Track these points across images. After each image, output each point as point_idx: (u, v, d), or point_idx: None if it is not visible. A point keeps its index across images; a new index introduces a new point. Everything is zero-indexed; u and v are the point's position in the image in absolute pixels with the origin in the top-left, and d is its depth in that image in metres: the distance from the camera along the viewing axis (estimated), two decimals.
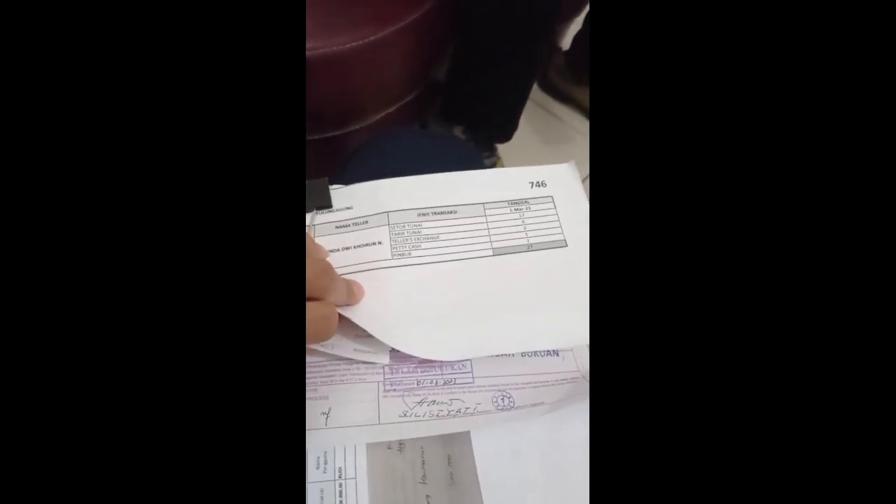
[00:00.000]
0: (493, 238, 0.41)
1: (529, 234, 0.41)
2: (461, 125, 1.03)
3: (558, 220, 0.42)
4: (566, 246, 0.41)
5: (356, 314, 0.37)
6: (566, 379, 0.39)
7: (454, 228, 0.41)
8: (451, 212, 0.42)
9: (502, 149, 1.08)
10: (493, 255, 0.40)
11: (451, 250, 0.40)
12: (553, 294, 0.40)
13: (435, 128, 1.08)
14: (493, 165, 1.04)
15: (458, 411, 0.38)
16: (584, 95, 1.22)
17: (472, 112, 1.00)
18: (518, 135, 1.18)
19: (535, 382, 0.39)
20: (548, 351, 0.40)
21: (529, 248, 0.41)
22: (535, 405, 0.38)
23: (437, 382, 0.38)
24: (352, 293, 0.37)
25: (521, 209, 0.42)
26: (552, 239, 0.41)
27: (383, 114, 0.90)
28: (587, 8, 1.14)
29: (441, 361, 0.38)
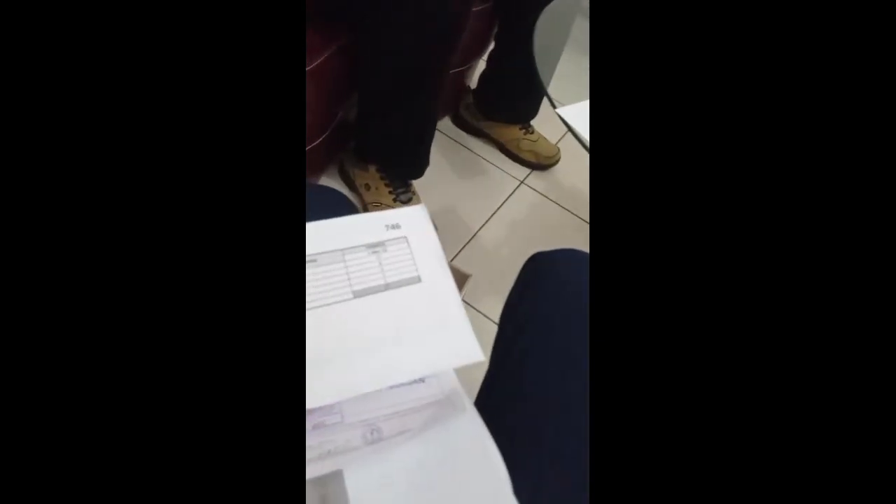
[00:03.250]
0: (353, 282, 0.43)
1: (387, 274, 0.43)
2: (374, 164, 1.07)
3: (412, 258, 0.45)
4: (420, 281, 0.44)
5: None
6: (430, 403, 0.41)
7: (314, 277, 0.43)
8: (311, 261, 0.44)
9: (420, 184, 1.11)
10: (354, 299, 0.42)
11: (312, 298, 0.42)
12: (414, 326, 0.42)
13: (350, 168, 1.11)
14: (408, 202, 1.08)
15: (329, 452, 0.39)
16: (493, 129, 1.28)
17: (382, 152, 1.04)
18: (435, 169, 1.23)
19: (402, 411, 0.41)
20: (413, 379, 0.42)
21: (387, 287, 0.43)
22: (402, 433, 0.40)
23: (306, 429, 0.39)
24: None
25: (378, 251, 0.44)
26: (408, 276, 0.44)
27: None
28: (491, 47, 1.20)
29: (309, 409, 0.40)
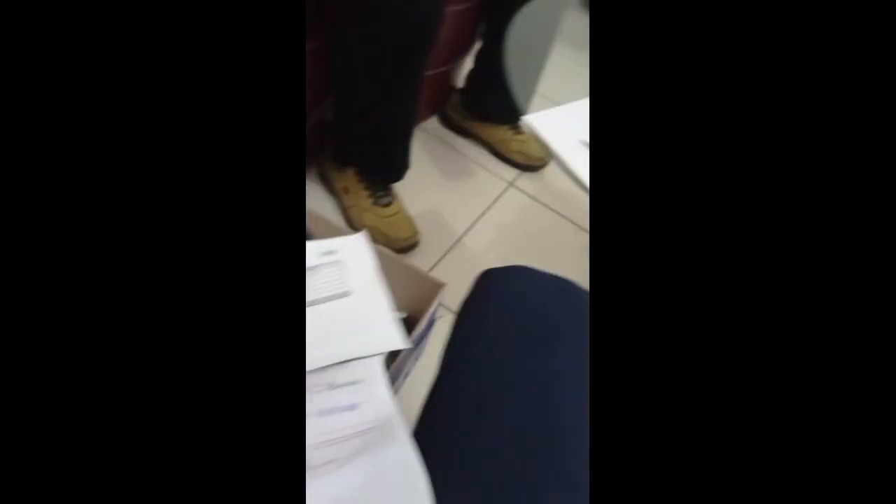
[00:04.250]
0: None
1: (316, 293, 0.46)
2: (352, 167, 1.04)
3: (342, 278, 0.47)
4: (350, 294, 0.46)
5: None
6: (362, 431, 0.40)
7: None
8: None
9: (404, 186, 1.09)
10: None
11: None
12: (337, 329, 0.45)
13: (328, 171, 1.09)
14: (388, 205, 1.05)
15: None
16: (481, 129, 1.25)
17: (360, 155, 1.01)
18: (420, 170, 1.20)
19: (332, 440, 0.40)
20: (346, 406, 0.41)
21: (313, 303, 0.46)
22: (329, 462, 0.39)
23: None
24: None
25: (312, 274, 0.49)
26: (336, 293, 0.47)
27: None
28: (477, 45, 1.17)
29: None
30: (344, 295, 0.47)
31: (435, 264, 1.10)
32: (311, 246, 0.50)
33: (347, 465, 0.39)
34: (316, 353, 0.42)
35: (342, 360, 0.43)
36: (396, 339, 0.45)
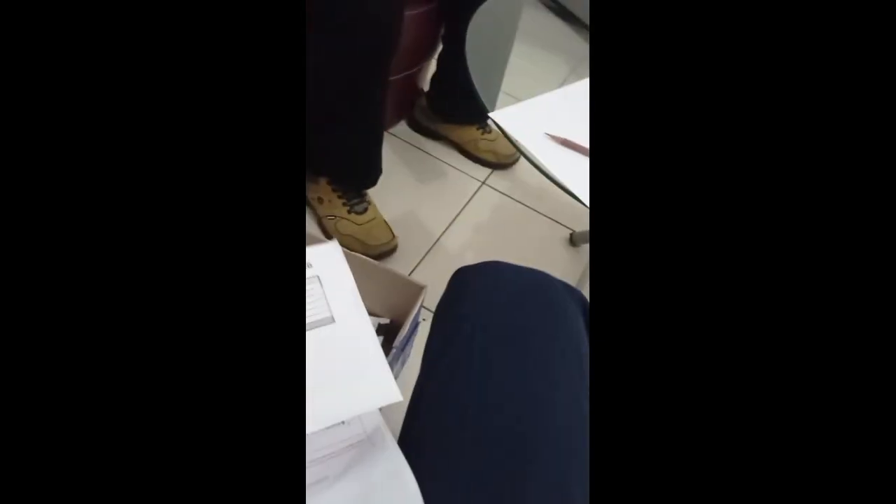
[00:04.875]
0: None
1: None
2: (324, 177, 1.04)
3: (325, 299, 0.44)
4: (334, 322, 0.43)
5: None
6: (351, 445, 0.40)
7: None
8: None
9: (377, 191, 1.09)
10: None
11: None
12: (328, 369, 0.41)
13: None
14: (364, 212, 1.05)
15: None
16: (449, 131, 1.26)
17: (331, 164, 1.01)
18: (393, 175, 1.20)
19: (323, 457, 0.39)
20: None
21: None
22: (321, 481, 0.38)
23: None
24: None
25: None
26: (321, 318, 0.43)
27: None
28: (440, 48, 1.18)
29: None
30: (328, 322, 0.44)
31: (414, 268, 1.10)
32: None
33: (340, 480, 0.39)
34: (312, 407, 0.39)
35: (337, 419, 0.40)
36: (391, 391, 0.41)
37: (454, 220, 1.19)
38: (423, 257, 1.12)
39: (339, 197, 1.04)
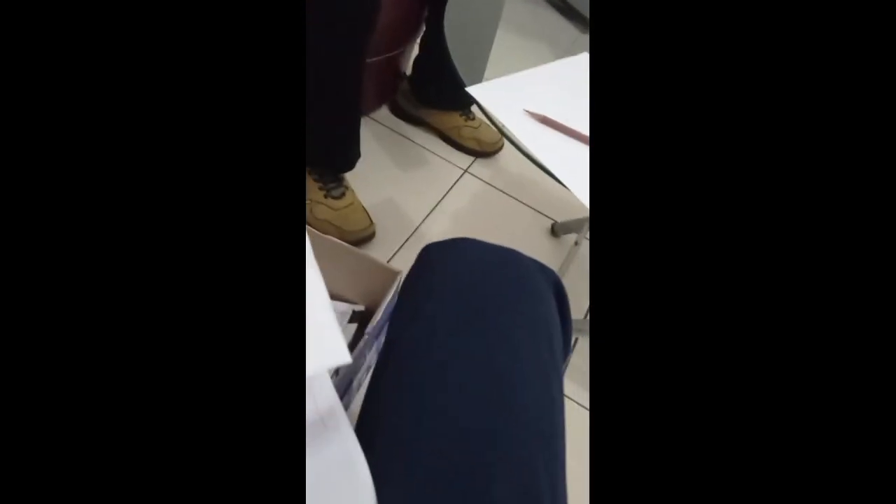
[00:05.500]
0: None
1: None
2: None
3: None
4: None
5: None
6: (308, 423, 0.37)
7: None
8: None
9: (356, 177, 1.06)
10: None
11: None
12: None
13: None
14: (341, 196, 1.02)
15: None
16: (432, 117, 1.23)
17: (309, 146, 0.98)
18: (371, 160, 1.17)
19: None
20: None
21: None
22: None
23: None
24: None
25: None
26: None
27: None
28: (423, 30, 1.15)
29: None
30: None
31: (393, 255, 1.08)
32: None
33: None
34: None
35: None
36: (340, 351, 0.38)
37: (435, 207, 1.16)
38: (402, 245, 1.10)
39: (316, 181, 1.01)
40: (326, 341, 0.37)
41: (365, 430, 0.37)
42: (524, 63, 1.01)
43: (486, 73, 1.14)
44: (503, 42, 1.17)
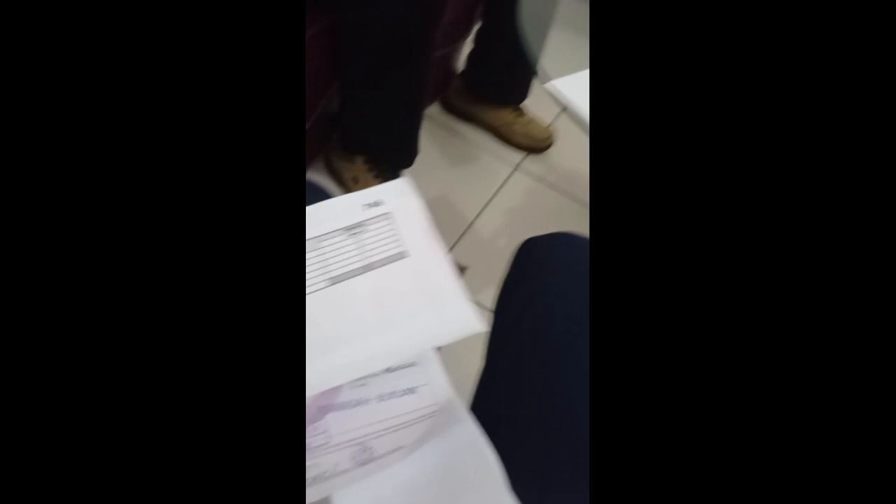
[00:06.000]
0: (328, 269, 0.40)
1: (367, 254, 0.41)
2: (361, 155, 1.02)
3: (396, 235, 0.41)
4: (406, 256, 0.40)
5: None
6: (424, 415, 0.38)
7: None
8: None
9: (410, 174, 1.07)
10: (330, 286, 0.39)
11: None
12: (401, 304, 0.39)
13: (336, 161, 1.06)
14: None
15: (315, 477, 0.35)
16: (484, 113, 1.23)
17: (368, 141, 0.99)
18: (425, 158, 1.17)
19: (395, 426, 0.38)
20: (404, 390, 0.38)
21: (368, 268, 0.40)
22: (396, 450, 0.37)
23: None
24: None
25: (357, 233, 0.42)
26: (392, 253, 0.41)
27: None
28: (477, 26, 1.15)
29: None
30: (400, 257, 0.41)
31: (448, 251, 1.08)
32: (349, 198, 0.43)
33: (416, 451, 0.37)
34: (386, 341, 0.37)
35: (417, 351, 0.37)
36: (473, 320, 0.37)
37: (487, 204, 1.16)
38: (457, 242, 1.10)
39: (375, 177, 1.02)
40: (458, 312, 0.37)
41: (484, 419, 0.38)
42: (574, 60, 1.00)
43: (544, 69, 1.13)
44: (552, 38, 1.16)
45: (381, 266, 0.40)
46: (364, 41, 0.83)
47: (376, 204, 0.43)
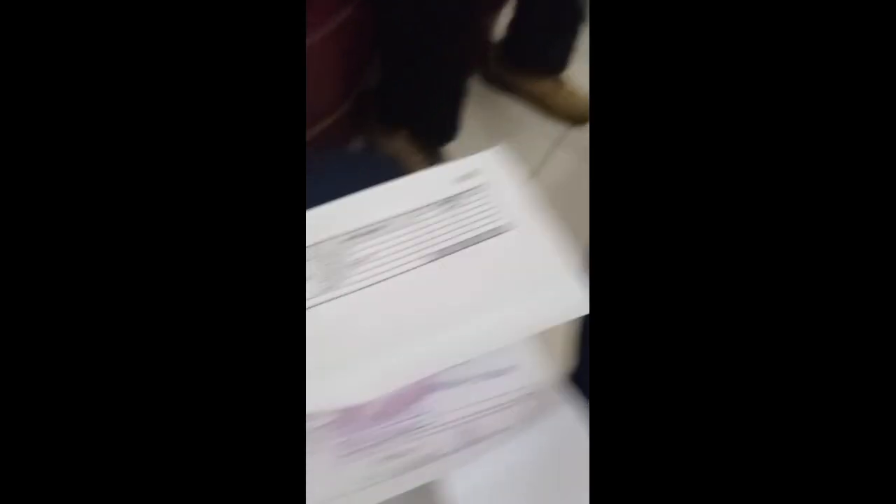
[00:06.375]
0: (429, 244, 0.37)
1: (468, 228, 0.38)
2: (404, 130, 0.99)
3: (496, 207, 0.38)
4: (511, 230, 0.37)
5: None
6: (529, 394, 0.36)
7: (384, 245, 0.37)
8: (377, 229, 0.37)
9: (450, 150, 1.04)
10: (432, 261, 0.36)
11: (383, 269, 0.36)
12: (504, 283, 0.36)
13: (377, 138, 1.03)
14: None
15: (422, 459, 0.34)
16: (527, 83, 1.19)
17: (411, 116, 0.96)
18: (466, 134, 1.14)
19: (500, 405, 0.35)
20: (502, 369, 0.36)
21: (471, 242, 0.37)
22: (496, 433, 0.35)
23: (393, 433, 0.34)
24: None
25: (453, 206, 0.38)
26: (493, 227, 0.38)
27: (316, 130, 0.85)
28: None
29: (397, 409, 0.34)
30: (503, 230, 0.38)
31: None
32: (440, 171, 0.40)
33: (520, 434, 0.35)
34: (492, 321, 0.34)
35: (522, 334, 0.35)
36: (577, 300, 0.35)
37: (529, 179, 1.13)
38: None
39: (417, 153, 0.99)
40: (565, 292, 0.35)
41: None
42: None
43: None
44: None
45: (483, 241, 0.37)
46: (401, 13, 0.80)
47: (469, 176, 0.40)
